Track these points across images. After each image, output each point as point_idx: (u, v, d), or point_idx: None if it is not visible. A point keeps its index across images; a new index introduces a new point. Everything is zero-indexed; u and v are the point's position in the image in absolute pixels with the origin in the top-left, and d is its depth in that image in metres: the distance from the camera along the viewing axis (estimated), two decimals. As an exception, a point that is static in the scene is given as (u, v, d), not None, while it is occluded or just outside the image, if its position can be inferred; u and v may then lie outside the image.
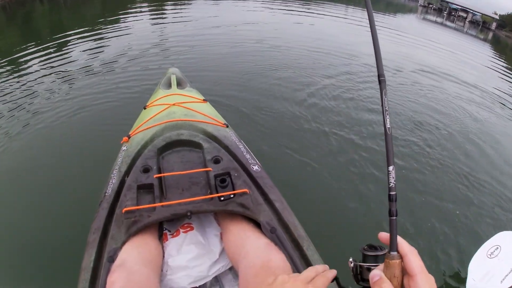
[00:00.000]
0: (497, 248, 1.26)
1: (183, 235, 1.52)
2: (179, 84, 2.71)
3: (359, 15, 16.77)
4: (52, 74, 5.19)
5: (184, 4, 13.76)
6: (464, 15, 41.87)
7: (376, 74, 0.78)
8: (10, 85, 4.78)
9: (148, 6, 12.60)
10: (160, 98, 2.40)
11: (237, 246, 1.37)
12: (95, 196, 1.69)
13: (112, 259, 1.26)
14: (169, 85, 2.68)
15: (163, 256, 1.44)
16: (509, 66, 13.20)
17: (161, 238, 1.51)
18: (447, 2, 45.16)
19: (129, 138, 1.99)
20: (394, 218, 0.65)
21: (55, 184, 2.89)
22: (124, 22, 9.47)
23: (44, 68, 5.45)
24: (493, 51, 18.88)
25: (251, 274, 1.18)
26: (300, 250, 1.40)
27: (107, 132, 3.59)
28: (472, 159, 4.16)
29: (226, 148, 1.88)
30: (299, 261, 1.32)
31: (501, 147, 4.75)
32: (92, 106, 4.19)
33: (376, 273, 0.63)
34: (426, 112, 5.31)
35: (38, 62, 5.75)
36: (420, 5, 47.45)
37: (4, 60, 5.83)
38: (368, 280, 0.67)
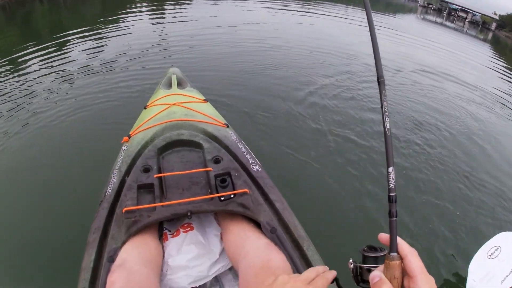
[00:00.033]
0: (498, 248, 1.26)
1: (183, 235, 1.52)
2: (180, 84, 2.71)
3: (359, 15, 16.76)
4: (52, 74, 5.19)
5: (184, 4, 13.76)
6: (464, 15, 41.88)
7: (386, 83, 0.78)
8: (9, 85, 4.77)
9: (148, 6, 12.60)
10: (161, 98, 2.40)
11: (237, 246, 1.37)
12: (95, 195, 1.69)
13: (112, 259, 1.26)
14: (169, 85, 2.68)
15: (163, 256, 1.44)
16: (509, 66, 13.21)
17: (161, 238, 1.51)
18: (447, 2, 45.15)
19: (129, 137, 1.99)
20: (394, 219, 0.65)
21: (55, 184, 2.88)
22: (124, 21, 9.46)
23: (44, 68, 5.44)
24: (492, 52, 18.88)
25: (251, 274, 1.18)
26: (300, 250, 1.40)
27: (107, 131, 3.59)
28: (472, 159, 4.16)
29: (227, 148, 1.88)
30: (299, 261, 1.32)
31: (501, 147, 4.75)
32: (92, 106, 4.18)
33: (376, 274, 0.63)
34: (426, 112, 5.31)
35: (38, 62, 5.74)
36: (420, 5, 47.45)
37: (3, 60, 5.82)
38: (368, 281, 0.67)
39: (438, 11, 46.21)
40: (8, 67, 5.52)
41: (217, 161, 1.70)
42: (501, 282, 1.16)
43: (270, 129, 3.96)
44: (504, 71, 11.62)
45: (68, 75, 5.17)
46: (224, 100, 4.46)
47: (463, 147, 4.42)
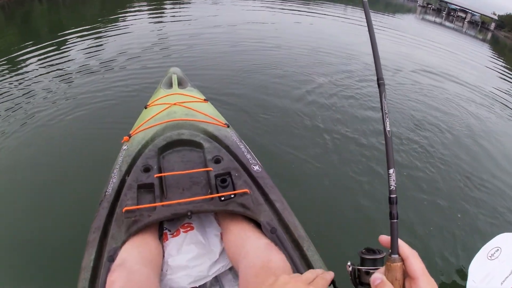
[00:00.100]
0: (498, 249, 1.26)
1: (183, 235, 1.52)
2: (180, 84, 2.71)
3: (359, 14, 16.77)
4: (52, 73, 5.17)
5: (183, 4, 13.76)
6: (463, 15, 41.95)
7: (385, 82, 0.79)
8: (8, 84, 4.76)
9: (147, 6, 12.58)
10: (161, 97, 2.40)
11: (237, 246, 1.37)
12: (96, 195, 1.69)
13: (112, 259, 1.26)
14: (170, 85, 2.67)
15: (163, 256, 1.44)
16: (508, 66, 13.22)
17: (161, 237, 1.51)
18: (446, 2, 45.23)
19: (129, 137, 1.99)
20: (395, 221, 0.66)
21: (55, 183, 2.88)
22: (124, 21, 9.45)
23: (43, 67, 5.43)
24: (492, 52, 18.91)
25: (251, 274, 1.18)
26: (300, 250, 1.40)
27: (107, 131, 3.58)
28: (472, 160, 4.17)
29: (227, 148, 1.88)
30: (299, 262, 1.32)
31: (502, 147, 4.76)
32: (93, 105, 4.17)
33: (378, 277, 0.63)
34: (425, 112, 5.32)
35: (37, 61, 5.73)
36: (419, 5, 47.51)
37: (2, 59, 5.80)
38: (366, 284, 0.67)
39: (437, 11, 46.28)
40: (7, 67, 5.51)
41: (217, 161, 1.70)
42: (501, 283, 1.16)
43: (271, 129, 3.96)
44: (503, 71, 11.64)
45: (67, 74, 5.16)
46: (225, 99, 4.46)
47: (463, 147, 4.42)
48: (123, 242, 1.34)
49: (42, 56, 5.97)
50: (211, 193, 1.53)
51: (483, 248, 1.31)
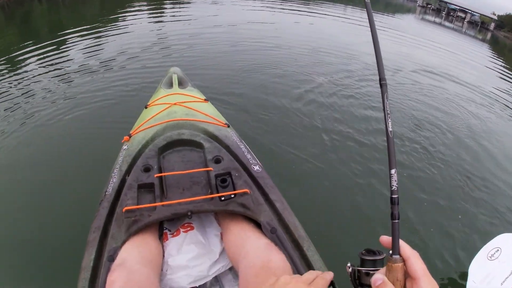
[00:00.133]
0: (498, 250, 1.26)
1: (183, 235, 1.52)
2: (181, 84, 2.71)
3: (358, 14, 16.78)
4: (51, 73, 5.17)
5: (183, 3, 13.74)
6: (463, 15, 41.92)
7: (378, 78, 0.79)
8: (8, 84, 4.75)
9: (147, 5, 12.57)
10: (161, 97, 2.40)
11: (237, 246, 1.37)
12: (96, 195, 1.69)
13: (112, 258, 1.26)
14: (170, 85, 2.67)
15: (163, 256, 1.44)
16: (508, 66, 13.23)
17: (162, 237, 1.51)
18: (446, 3, 45.20)
19: (130, 137, 1.99)
20: (397, 221, 0.66)
21: (55, 183, 2.88)
22: (123, 21, 9.43)
23: (43, 67, 5.42)
24: (491, 52, 18.91)
25: (251, 274, 1.18)
26: (300, 250, 1.40)
27: (108, 131, 3.58)
28: (473, 160, 4.17)
29: (227, 148, 1.89)
30: (299, 262, 1.33)
31: (502, 147, 4.76)
32: (93, 105, 4.17)
33: (379, 277, 0.63)
34: (426, 112, 5.33)
35: (37, 61, 5.71)
36: (419, 5, 47.45)
37: (2, 59, 5.79)
38: (366, 285, 0.67)
39: (437, 11, 46.23)
40: (7, 67, 5.50)
41: (217, 161, 1.70)
42: (501, 284, 1.16)
43: (271, 129, 3.95)
44: (503, 71, 11.65)
45: (67, 74, 5.15)
46: (225, 99, 4.46)
47: (463, 147, 4.43)
48: (123, 242, 1.34)
49: (42, 56, 5.96)
50: (211, 193, 1.53)
51: (483, 248, 1.31)
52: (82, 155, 3.24)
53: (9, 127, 3.63)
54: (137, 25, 8.89)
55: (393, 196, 0.67)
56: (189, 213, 1.42)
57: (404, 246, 0.64)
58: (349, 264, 0.72)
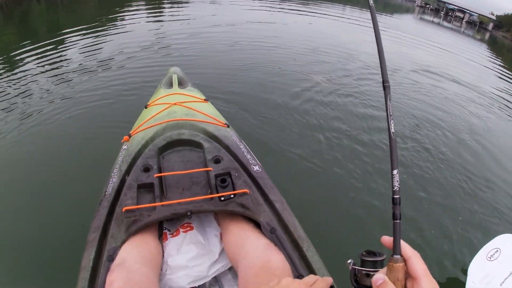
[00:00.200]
0: (497, 251, 1.26)
1: (183, 235, 1.52)
2: (181, 84, 2.70)
3: (357, 14, 16.86)
4: (50, 73, 5.15)
5: (181, 3, 13.74)
6: (461, 15, 42.08)
7: (379, 79, 0.79)
8: (6, 84, 4.73)
9: (145, 5, 12.56)
10: (161, 97, 2.39)
11: (237, 246, 1.37)
12: (95, 195, 1.69)
13: (111, 258, 1.26)
14: (170, 85, 2.67)
15: (163, 256, 1.44)
16: (506, 66, 13.27)
17: (161, 237, 1.51)
18: (444, 3, 45.34)
19: (129, 137, 1.99)
20: (398, 221, 0.66)
21: (55, 183, 2.87)
22: (122, 20, 9.42)
23: (42, 66, 5.41)
24: (490, 52, 18.97)
25: (250, 275, 1.18)
26: (299, 251, 1.40)
27: (107, 131, 3.57)
28: (473, 160, 4.17)
29: (227, 148, 1.88)
30: (299, 262, 1.32)
31: (501, 147, 4.77)
32: (92, 105, 4.15)
33: (380, 277, 0.63)
34: (426, 111, 5.34)
35: (36, 61, 5.69)
36: (417, 6, 47.58)
37: (0, 59, 5.78)
38: (365, 286, 0.67)
39: (436, 11, 46.36)
40: (4, 66, 5.47)
41: (217, 161, 1.70)
42: (501, 284, 1.16)
43: (271, 129, 3.95)
44: (502, 70, 11.69)
45: (66, 74, 5.13)
46: (225, 99, 4.45)
47: (463, 147, 4.44)
48: (123, 242, 1.34)
49: (40, 56, 5.93)
50: (211, 193, 1.53)
51: (482, 249, 1.31)
52: (81, 155, 3.23)
53: (7, 127, 3.62)
54: (135, 25, 8.88)
55: (395, 196, 0.68)
56: (188, 213, 1.42)
57: (405, 246, 0.64)
58: (349, 261, 0.72)
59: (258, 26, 10.00)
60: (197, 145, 1.86)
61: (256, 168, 1.75)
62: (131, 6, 11.94)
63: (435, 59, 10.10)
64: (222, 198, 1.48)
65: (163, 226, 1.57)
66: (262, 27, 9.95)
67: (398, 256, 0.63)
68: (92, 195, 1.84)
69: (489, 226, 3.10)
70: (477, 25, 39.94)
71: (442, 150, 4.20)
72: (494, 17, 41.85)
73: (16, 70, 5.25)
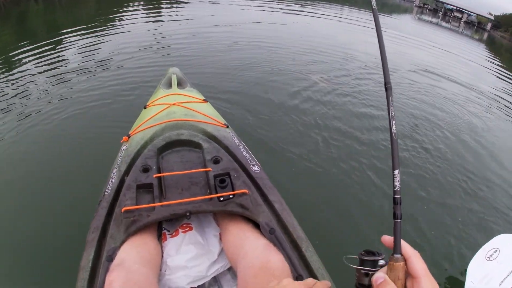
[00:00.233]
0: (496, 251, 1.26)
1: (182, 235, 1.52)
2: (180, 84, 2.70)
3: (355, 15, 16.85)
4: (48, 73, 5.13)
5: (180, 3, 13.73)
6: (459, 15, 42.15)
7: (378, 79, 0.80)
8: (4, 84, 4.71)
9: (144, 5, 12.55)
10: (161, 97, 2.39)
11: (236, 246, 1.37)
12: (95, 195, 1.69)
13: (111, 258, 1.26)
14: (169, 85, 2.67)
15: (162, 256, 1.44)
16: (505, 66, 13.30)
17: (160, 238, 1.51)
18: (442, 3, 45.40)
19: (129, 137, 1.99)
20: (399, 221, 0.67)
21: (54, 183, 2.86)
22: (121, 21, 9.41)
23: (40, 67, 5.38)
24: (488, 51, 19.00)
25: (250, 275, 1.18)
26: (299, 251, 1.40)
27: (107, 131, 3.56)
28: (473, 160, 4.18)
29: (226, 148, 1.88)
30: (298, 262, 1.32)
31: (501, 146, 4.78)
32: (91, 106, 4.14)
33: (380, 276, 0.63)
34: (425, 111, 5.35)
35: (34, 61, 5.67)
36: (415, 6, 47.66)
37: (-1, 59, 5.78)
38: (364, 285, 0.68)
39: (434, 11, 46.45)
40: (2, 66, 5.46)
41: (216, 161, 1.70)
42: (500, 284, 1.16)
43: (270, 129, 3.95)
44: (500, 70, 11.73)
45: (65, 74, 5.12)
46: (224, 100, 4.45)
47: (462, 147, 4.45)
48: (122, 242, 1.34)
49: (38, 56, 5.91)
50: (210, 194, 1.53)
51: (481, 249, 1.31)
52: (81, 155, 3.23)
53: (5, 127, 3.60)
54: (134, 25, 8.87)
55: (395, 196, 0.68)
56: (187, 214, 1.42)
57: (405, 246, 0.65)
58: (349, 256, 0.73)
59: (257, 26, 10.01)
60: (196, 146, 1.86)
61: (255, 168, 1.75)
62: (129, 6, 11.93)
63: (433, 59, 10.11)
64: (221, 199, 1.48)
65: (162, 227, 1.57)
66: (261, 27, 9.96)
67: (399, 256, 0.64)
68: (91, 196, 1.84)
69: (488, 226, 3.10)
70: (475, 25, 40.04)
71: (441, 150, 4.20)
72: (492, 17, 41.95)
73: (14, 71, 5.24)
